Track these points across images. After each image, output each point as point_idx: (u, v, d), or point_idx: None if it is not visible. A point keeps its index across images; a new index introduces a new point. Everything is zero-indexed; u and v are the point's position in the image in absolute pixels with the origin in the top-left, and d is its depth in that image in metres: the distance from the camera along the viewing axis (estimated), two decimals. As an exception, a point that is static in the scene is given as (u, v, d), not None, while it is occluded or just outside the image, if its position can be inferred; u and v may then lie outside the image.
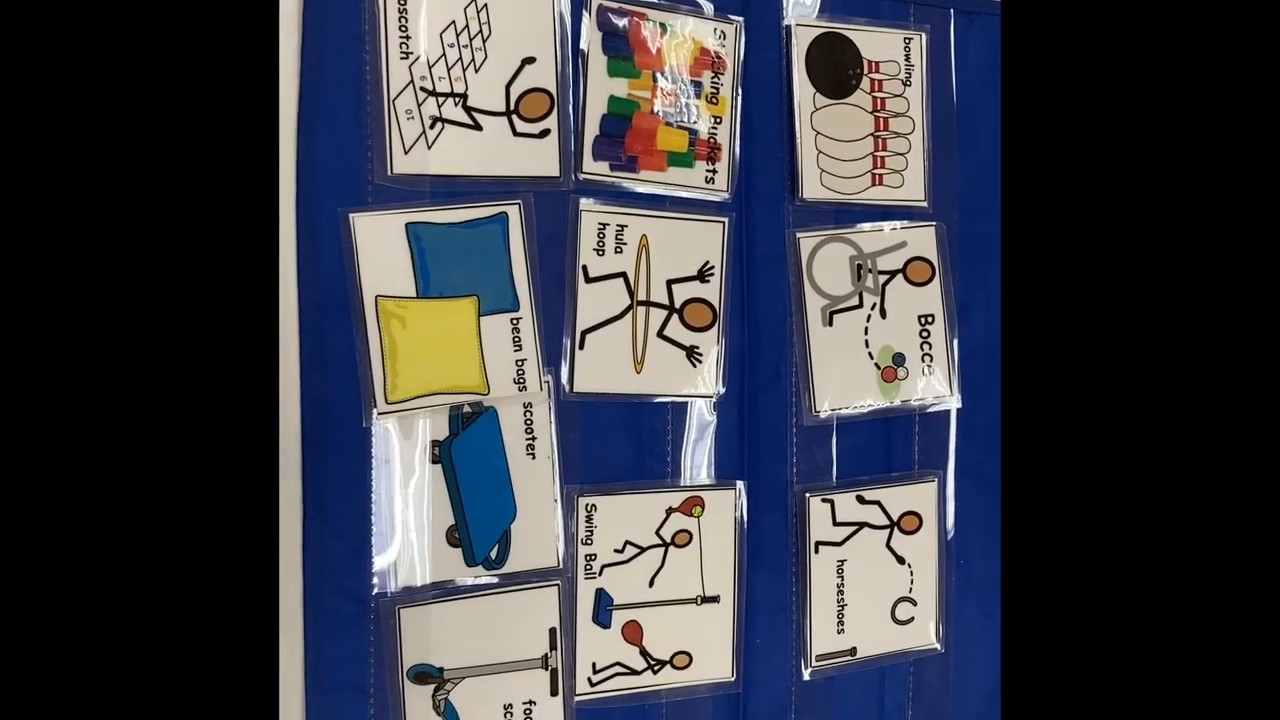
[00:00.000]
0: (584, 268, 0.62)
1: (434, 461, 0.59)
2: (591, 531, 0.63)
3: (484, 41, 0.59)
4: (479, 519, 0.60)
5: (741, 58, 0.65)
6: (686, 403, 0.65)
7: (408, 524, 0.59)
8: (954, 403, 0.70)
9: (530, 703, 0.61)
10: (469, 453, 0.60)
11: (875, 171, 0.68)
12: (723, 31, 0.64)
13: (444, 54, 0.59)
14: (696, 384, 0.64)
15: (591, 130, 0.62)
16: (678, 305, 0.64)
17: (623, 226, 0.62)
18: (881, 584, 0.70)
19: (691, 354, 0.64)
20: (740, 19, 0.65)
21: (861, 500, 0.68)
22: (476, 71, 0.59)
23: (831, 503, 0.68)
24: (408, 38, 0.58)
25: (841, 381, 0.68)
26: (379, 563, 0.58)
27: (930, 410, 0.70)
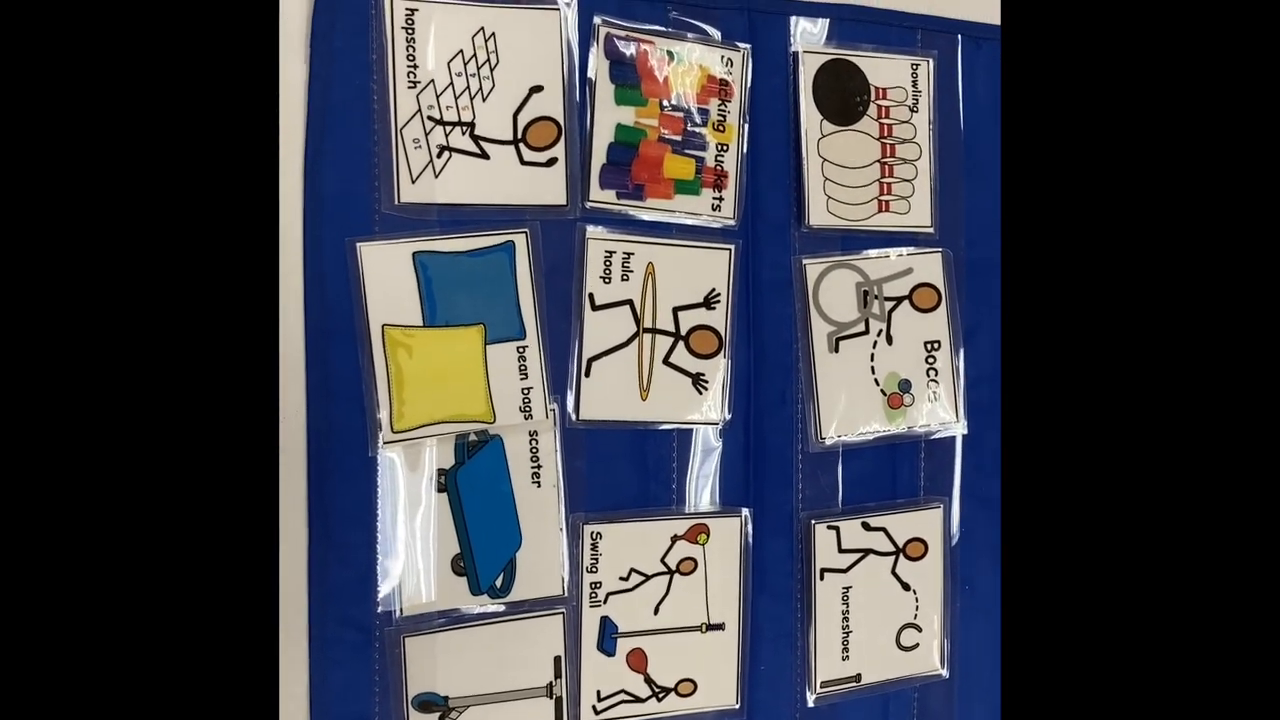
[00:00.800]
0: (590, 295, 0.62)
1: (439, 490, 0.59)
2: (596, 559, 0.63)
3: (491, 70, 0.59)
4: (484, 547, 0.60)
5: (748, 85, 0.65)
6: (692, 430, 0.65)
7: (413, 552, 0.59)
8: (960, 429, 0.70)
9: (535, 731, 0.61)
10: (474, 481, 0.60)
11: (882, 198, 0.68)
12: (730, 59, 0.64)
13: (451, 82, 0.59)
14: (702, 411, 0.64)
15: (598, 158, 0.62)
16: (684, 332, 0.64)
17: (629, 254, 0.62)
18: (887, 610, 0.70)
19: (697, 381, 0.64)
20: (747, 46, 0.65)
21: (867, 527, 0.68)
22: (484, 100, 0.59)
23: (837, 529, 0.67)
24: (415, 66, 0.58)
25: (847, 408, 0.68)
26: (384, 591, 0.58)
27: (936, 437, 0.70)
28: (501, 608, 0.61)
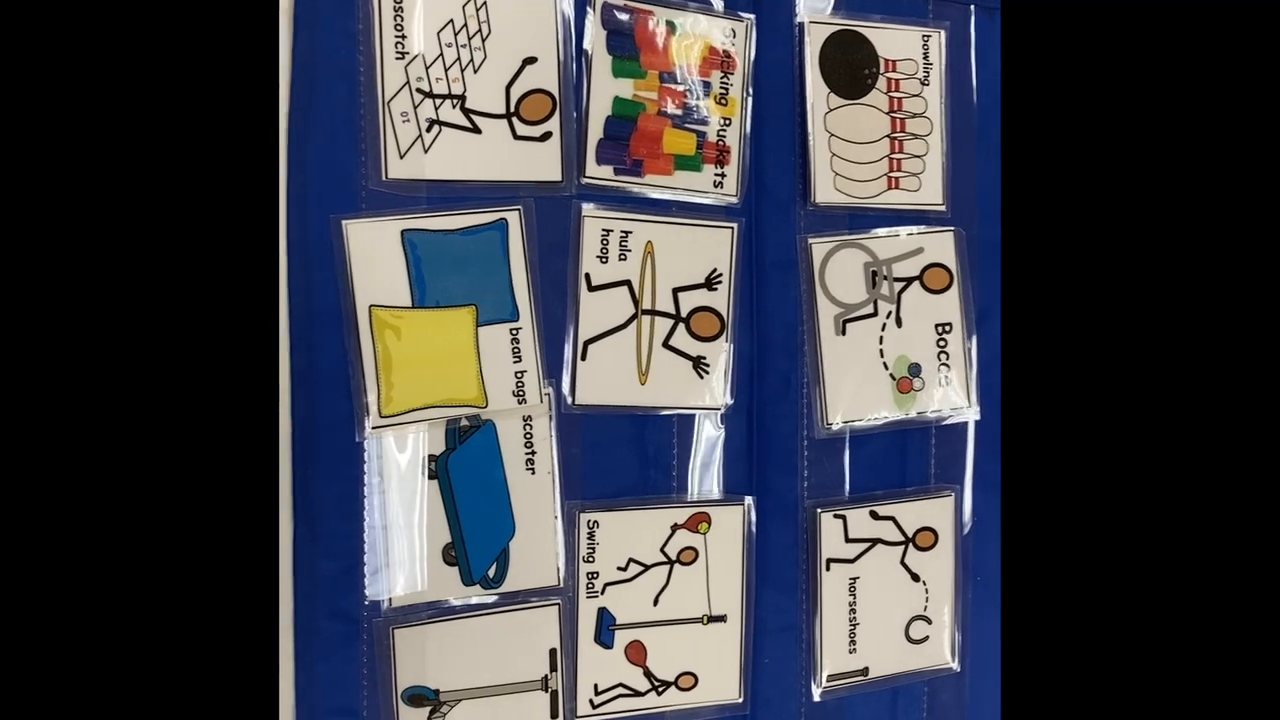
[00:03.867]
0: (586, 276, 0.60)
1: (430, 477, 0.57)
2: (593, 549, 0.61)
3: (483, 41, 0.57)
4: (476, 536, 0.58)
5: (752, 56, 0.63)
6: (693, 415, 0.63)
7: (402, 541, 0.57)
8: (972, 414, 0.68)
9: (529, 726, 0.60)
10: (466, 468, 0.58)
11: (891, 174, 0.66)
12: (733, 29, 0.62)
13: (441, 54, 0.56)
14: (703, 396, 0.62)
15: (595, 133, 0.59)
16: (684, 314, 0.62)
17: (627, 233, 0.60)
18: (895, 602, 0.67)
19: (698, 364, 0.62)
20: (751, 16, 0.62)
21: (875, 516, 0.66)
22: (475, 72, 0.57)
23: (844, 518, 0.65)
24: (404, 37, 0.56)
25: (855, 392, 0.65)
26: (372, 582, 0.57)
27: (947, 422, 0.68)
28: (494, 599, 0.59)
